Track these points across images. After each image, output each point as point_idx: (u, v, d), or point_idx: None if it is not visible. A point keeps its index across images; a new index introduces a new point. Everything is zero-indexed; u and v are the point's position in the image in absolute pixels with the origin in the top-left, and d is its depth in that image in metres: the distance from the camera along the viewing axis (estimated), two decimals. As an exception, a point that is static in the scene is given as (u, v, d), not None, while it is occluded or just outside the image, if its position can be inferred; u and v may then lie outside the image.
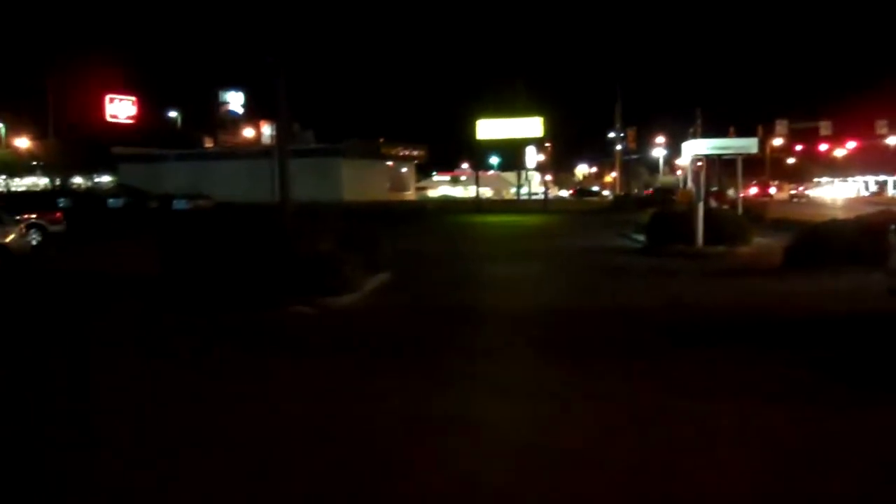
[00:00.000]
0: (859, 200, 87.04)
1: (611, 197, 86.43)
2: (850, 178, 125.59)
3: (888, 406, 9.28)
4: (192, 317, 15.35)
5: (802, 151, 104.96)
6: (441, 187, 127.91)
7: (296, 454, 7.88)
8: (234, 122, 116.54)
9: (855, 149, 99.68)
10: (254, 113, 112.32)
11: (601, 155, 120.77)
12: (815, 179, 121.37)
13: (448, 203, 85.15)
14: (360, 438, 8.27)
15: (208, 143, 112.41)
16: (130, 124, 73.58)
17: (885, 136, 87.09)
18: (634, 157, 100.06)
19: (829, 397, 9.72)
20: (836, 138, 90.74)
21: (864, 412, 9.03)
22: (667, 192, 62.75)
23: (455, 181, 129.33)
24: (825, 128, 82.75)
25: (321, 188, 72.78)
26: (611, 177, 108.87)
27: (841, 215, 32.53)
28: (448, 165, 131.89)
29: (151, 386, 10.59)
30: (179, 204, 57.58)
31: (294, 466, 7.55)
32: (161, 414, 9.31)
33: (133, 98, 72.28)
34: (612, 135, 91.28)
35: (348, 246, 18.60)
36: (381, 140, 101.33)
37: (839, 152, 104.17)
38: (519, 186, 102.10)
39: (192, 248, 17.82)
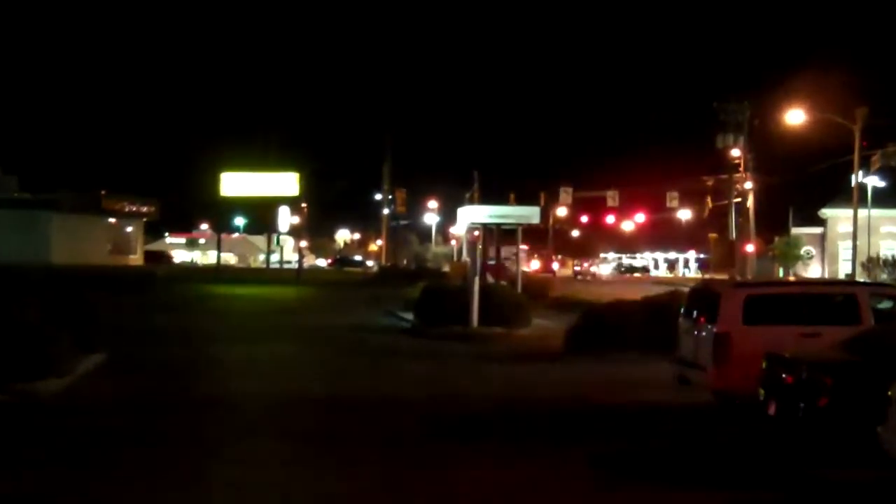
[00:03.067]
0: (646, 279, 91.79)
1: (376, 268, 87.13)
2: (638, 255, 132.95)
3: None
4: None
5: (588, 223, 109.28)
6: (175, 251, 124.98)
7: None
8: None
9: (644, 222, 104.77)
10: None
11: (366, 220, 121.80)
12: (602, 255, 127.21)
13: (184, 270, 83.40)
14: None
15: None
16: None
17: (676, 210, 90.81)
18: (404, 222, 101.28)
19: (603, 497, 10.09)
20: (624, 210, 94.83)
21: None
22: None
23: (192, 244, 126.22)
24: (612, 198, 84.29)
25: (24, 247, 69.87)
26: (376, 245, 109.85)
27: (627, 295, 34.18)
28: (185, 225, 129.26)
29: None
30: None
31: None
32: None
33: None
34: (378, 197, 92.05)
35: (57, 319, 18.28)
36: (103, 192, 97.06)
37: (627, 225, 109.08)
38: (269, 253, 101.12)
39: None
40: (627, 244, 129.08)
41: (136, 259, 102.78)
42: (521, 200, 45.87)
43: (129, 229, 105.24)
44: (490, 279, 34.10)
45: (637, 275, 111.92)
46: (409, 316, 32.98)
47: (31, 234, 79.90)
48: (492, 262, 38.60)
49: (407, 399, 16.68)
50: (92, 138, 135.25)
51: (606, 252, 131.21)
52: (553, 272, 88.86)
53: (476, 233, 32.69)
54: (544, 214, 60.25)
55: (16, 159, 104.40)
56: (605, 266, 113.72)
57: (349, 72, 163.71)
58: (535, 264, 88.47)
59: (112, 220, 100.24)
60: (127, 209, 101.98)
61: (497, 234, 38.63)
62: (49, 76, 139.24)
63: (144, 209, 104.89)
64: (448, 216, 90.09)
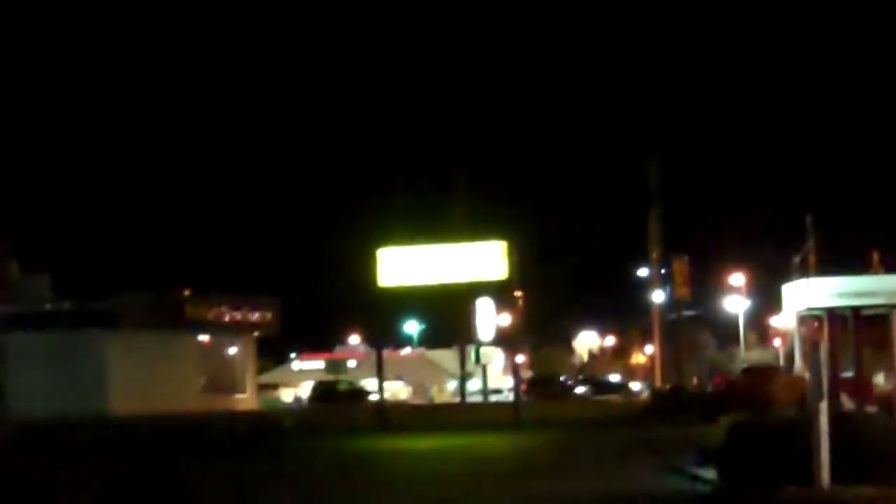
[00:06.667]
0: None
1: (646, 393, 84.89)
2: None
3: None
4: None
5: None
6: (307, 384, 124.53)
7: None
8: None
9: None
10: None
11: (623, 314, 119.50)
12: None
13: (324, 415, 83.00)
14: None
15: None
16: None
17: None
18: (689, 313, 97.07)
19: None
20: None
21: None
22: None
23: (336, 369, 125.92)
24: None
25: (69, 388, 73.71)
26: (644, 354, 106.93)
27: None
28: (321, 341, 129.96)
29: None
30: None
31: None
32: None
33: None
34: (644, 273, 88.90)
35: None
36: (186, 293, 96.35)
37: None
38: (463, 378, 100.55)
39: None
40: None
41: (246, 399, 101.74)
42: (892, 262, 43.06)
43: (233, 351, 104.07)
44: (847, 403, 33.05)
45: None
46: (709, 473, 31.01)
47: (78, 367, 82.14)
48: (848, 376, 37.18)
49: None
50: (163, 211, 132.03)
51: None
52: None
53: (815, 324, 30.62)
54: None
55: (48, 250, 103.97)
56: None
57: (575, 69, 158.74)
58: None
59: (204, 337, 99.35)
60: (227, 318, 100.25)
61: (853, 325, 36.69)
62: (99, 128, 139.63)
63: (255, 317, 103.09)
64: (764, 299, 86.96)
